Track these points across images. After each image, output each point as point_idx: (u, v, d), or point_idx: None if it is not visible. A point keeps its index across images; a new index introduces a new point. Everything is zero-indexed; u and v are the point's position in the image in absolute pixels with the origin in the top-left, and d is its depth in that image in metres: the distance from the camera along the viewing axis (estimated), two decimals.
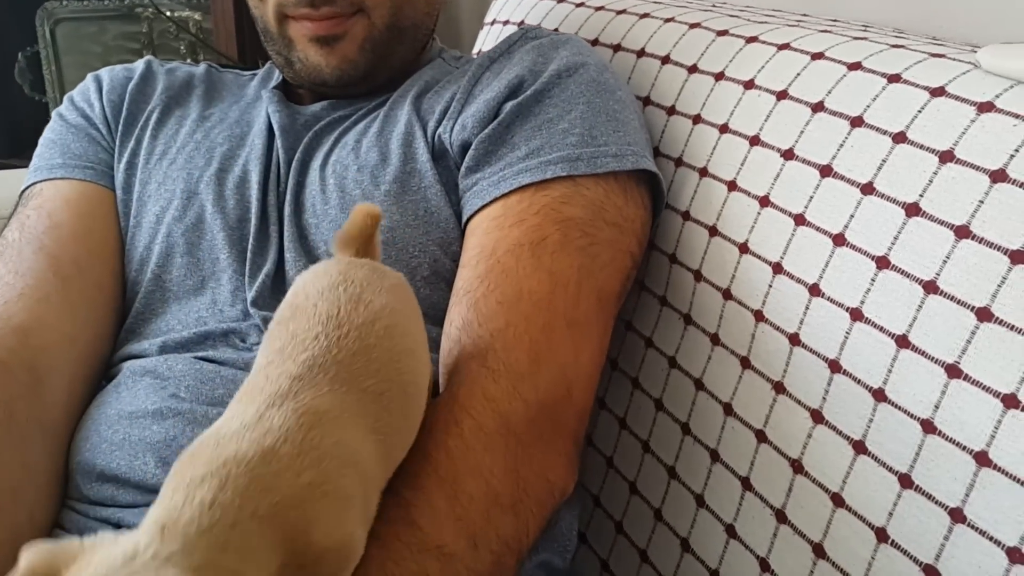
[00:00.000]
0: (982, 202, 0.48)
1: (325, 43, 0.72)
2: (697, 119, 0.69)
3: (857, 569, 0.51)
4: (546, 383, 0.56)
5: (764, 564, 0.58)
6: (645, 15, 0.80)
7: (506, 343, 0.56)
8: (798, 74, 0.62)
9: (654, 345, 0.70)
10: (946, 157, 0.51)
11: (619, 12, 0.83)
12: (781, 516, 0.57)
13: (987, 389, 0.45)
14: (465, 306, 0.59)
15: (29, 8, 1.71)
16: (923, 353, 0.49)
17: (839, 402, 0.53)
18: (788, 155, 0.60)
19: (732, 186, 0.64)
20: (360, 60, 0.73)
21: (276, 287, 0.66)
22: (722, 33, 0.71)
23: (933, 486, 0.47)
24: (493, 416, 0.53)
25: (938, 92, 0.53)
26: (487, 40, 1.01)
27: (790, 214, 0.59)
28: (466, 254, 0.63)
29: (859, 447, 0.52)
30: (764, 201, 0.61)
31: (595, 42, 0.82)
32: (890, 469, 0.50)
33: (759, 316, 0.60)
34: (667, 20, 0.77)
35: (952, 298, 0.48)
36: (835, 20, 0.72)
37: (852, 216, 0.54)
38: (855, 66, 0.59)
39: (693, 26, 0.74)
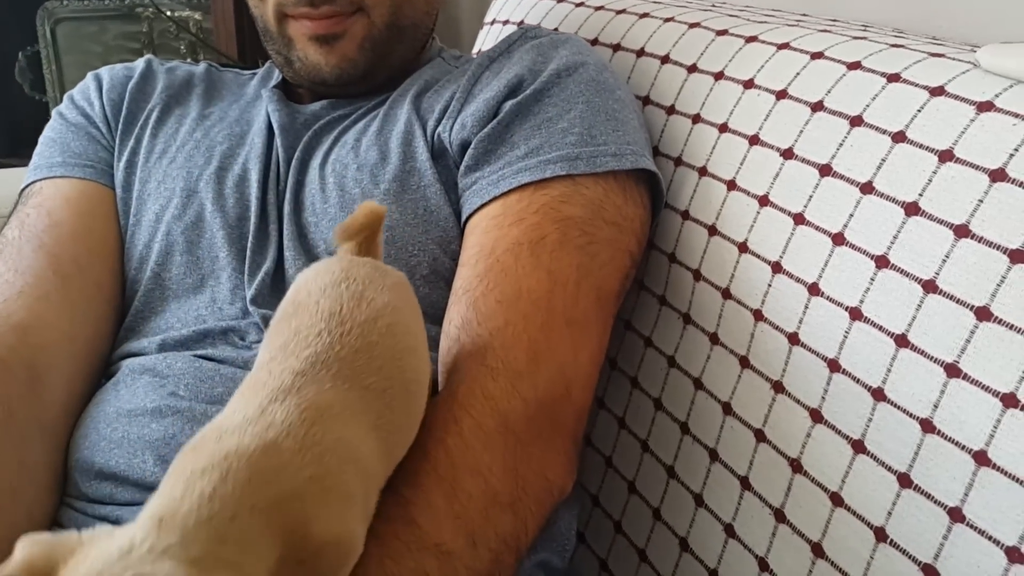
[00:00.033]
0: (981, 201, 0.48)
1: (324, 42, 0.72)
2: (696, 118, 0.69)
3: (856, 569, 0.51)
4: (545, 382, 0.56)
5: (763, 563, 0.58)
6: (645, 15, 0.80)
7: (505, 342, 0.56)
8: (797, 74, 0.62)
9: (653, 344, 0.70)
10: (945, 156, 0.51)
11: (619, 12, 0.83)
12: (780, 515, 0.57)
13: (986, 388, 0.45)
14: (464, 305, 0.59)
15: (29, 8, 1.71)
16: (922, 352, 0.49)
17: (838, 401, 0.53)
18: (787, 154, 0.60)
19: (731, 185, 0.64)
20: (359, 59, 0.73)
21: (275, 285, 0.66)
22: (722, 33, 0.71)
23: (932, 485, 0.47)
24: (492, 415, 0.53)
25: (937, 91, 0.53)
26: (487, 40, 1.01)
27: (789, 213, 0.59)
28: (465, 253, 0.63)
29: (858, 446, 0.52)
30: (763, 200, 0.61)
31: (595, 42, 0.82)
32: (889, 468, 0.50)
33: (758, 315, 0.60)
34: (667, 20, 0.77)
35: (951, 297, 0.48)
36: (835, 20, 0.72)
37: (851, 215, 0.54)
38: (855, 65, 0.59)
39: (693, 26, 0.74)
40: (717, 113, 0.67)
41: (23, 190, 0.76)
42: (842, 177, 0.56)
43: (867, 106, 0.56)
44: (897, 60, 0.57)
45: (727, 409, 0.61)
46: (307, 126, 0.74)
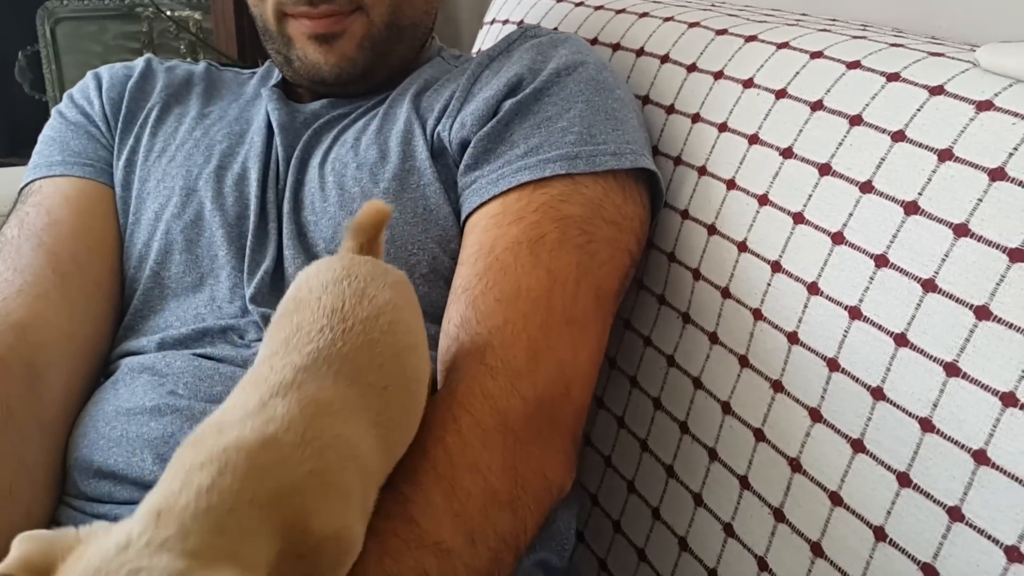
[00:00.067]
0: (981, 200, 0.48)
1: (324, 41, 0.72)
2: (696, 118, 0.69)
3: (855, 568, 0.51)
4: (544, 380, 0.56)
5: (762, 563, 0.58)
6: (644, 14, 0.80)
7: (504, 340, 0.56)
8: (797, 73, 0.62)
9: (653, 344, 0.70)
10: (945, 155, 0.51)
11: (618, 11, 0.83)
12: (779, 515, 0.57)
13: (986, 387, 0.45)
14: (463, 304, 0.59)
15: (29, 7, 1.71)
16: (922, 352, 0.49)
17: (837, 401, 0.53)
18: (787, 154, 0.60)
19: (731, 185, 0.64)
20: (359, 58, 0.73)
21: (275, 284, 0.66)
22: (721, 32, 0.71)
23: (931, 485, 0.47)
24: (491, 413, 0.53)
25: (937, 91, 0.53)
26: (486, 39, 1.01)
27: (789, 213, 0.59)
28: (464, 252, 0.63)
29: (857, 446, 0.52)
30: (763, 200, 0.61)
31: (594, 41, 0.82)
32: (888, 468, 0.50)
33: (758, 315, 0.60)
34: (666, 19, 0.77)
35: (951, 296, 0.48)
36: (834, 19, 0.72)
37: (851, 215, 0.54)
38: (854, 65, 0.59)
39: (692, 25, 0.74)
40: (717, 112, 0.67)
41: (22, 189, 0.76)
42: (841, 176, 0.56)
43: (866, 105, 0.56)
44: (896, 59, 0.57)
45: (726, 408, 0.61)
46: (307, 125, 0.74)
